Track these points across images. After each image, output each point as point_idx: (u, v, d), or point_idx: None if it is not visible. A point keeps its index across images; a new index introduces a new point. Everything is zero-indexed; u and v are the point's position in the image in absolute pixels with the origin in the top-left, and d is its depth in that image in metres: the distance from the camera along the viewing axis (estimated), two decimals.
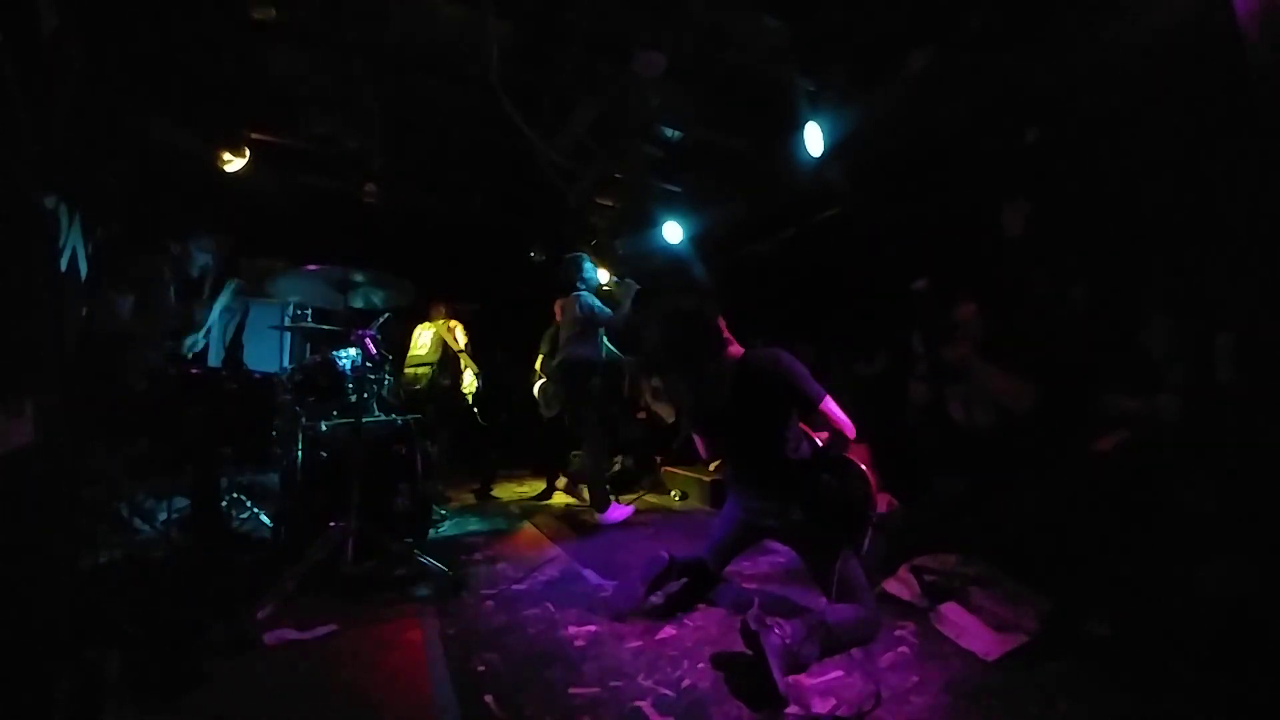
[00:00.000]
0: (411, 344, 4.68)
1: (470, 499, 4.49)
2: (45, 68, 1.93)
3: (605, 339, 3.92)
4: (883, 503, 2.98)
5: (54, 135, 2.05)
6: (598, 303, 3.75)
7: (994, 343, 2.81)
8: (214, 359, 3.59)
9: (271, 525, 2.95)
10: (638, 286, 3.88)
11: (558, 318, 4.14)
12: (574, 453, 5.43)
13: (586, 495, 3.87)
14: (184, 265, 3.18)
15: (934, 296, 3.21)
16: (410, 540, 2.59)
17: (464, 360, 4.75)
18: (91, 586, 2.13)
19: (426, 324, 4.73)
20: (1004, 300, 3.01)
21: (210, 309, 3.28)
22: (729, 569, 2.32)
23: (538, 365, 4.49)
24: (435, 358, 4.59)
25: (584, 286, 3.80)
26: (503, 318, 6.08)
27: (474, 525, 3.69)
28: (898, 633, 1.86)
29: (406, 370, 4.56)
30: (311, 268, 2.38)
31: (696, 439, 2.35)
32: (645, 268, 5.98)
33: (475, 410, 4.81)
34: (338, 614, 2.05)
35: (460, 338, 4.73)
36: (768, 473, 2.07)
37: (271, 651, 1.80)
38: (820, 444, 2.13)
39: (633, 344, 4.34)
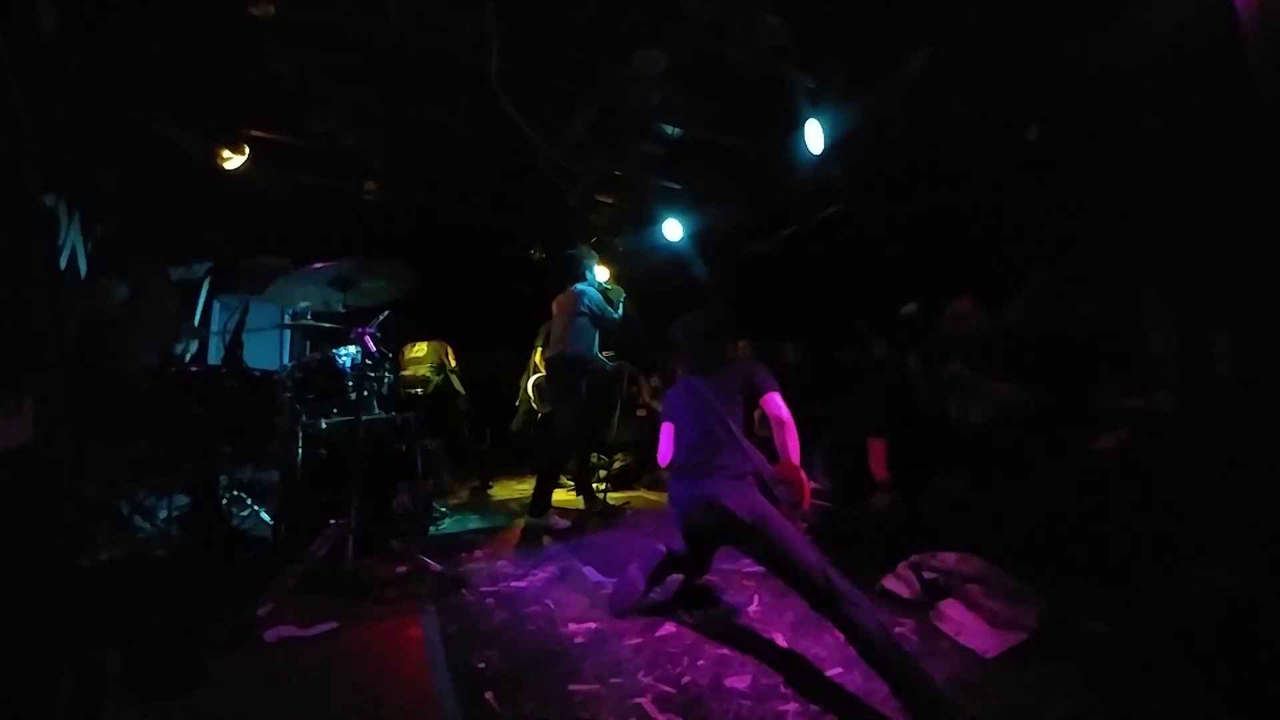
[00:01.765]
0: (404, 354, 4.71)
1: (469, 496, 4.49)
2: (45, 68, 1.93)
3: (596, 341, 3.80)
4: (886, 499, 2.97)
5: (54, 135, 2.05)
6: (603, 300, 3.63)
7: (988, 348, 2.81)
8: (214, 357, 3.59)
9: (271, 523, 2.95)
10: (625, 293, 3.91)
11: (555, 312, 4.07)
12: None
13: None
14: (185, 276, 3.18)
15: (924, 320, 3.25)
16: (410, 538, 2.59)
17: (455, 380, 4.79)
18: (91, 586, 2.13)
19: (420, 342, 4.79)
20: (999, 301, 3.01)
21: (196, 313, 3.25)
22: (728, 567, 2.32)
23: (536, 358, 4.45)
24: (435, 361, 4.64)
25: (588, 282, 3.67)
26: (502, 316, 6.09)
27: (474, 523, 3.69)
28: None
29: (405, 374, 4.57)
30: (318, 265, 2.37)
31: (666, 430, 2.30)
32: (645, 265, 5.98)
33: (465, 427, 4.91)
34: (338, 612, 2.05)
35: (452, 359, 4.83)
36: (726, 449, 2.04)
37: (272, 649, 1.81)
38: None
39: (618, 348, 4.31)
